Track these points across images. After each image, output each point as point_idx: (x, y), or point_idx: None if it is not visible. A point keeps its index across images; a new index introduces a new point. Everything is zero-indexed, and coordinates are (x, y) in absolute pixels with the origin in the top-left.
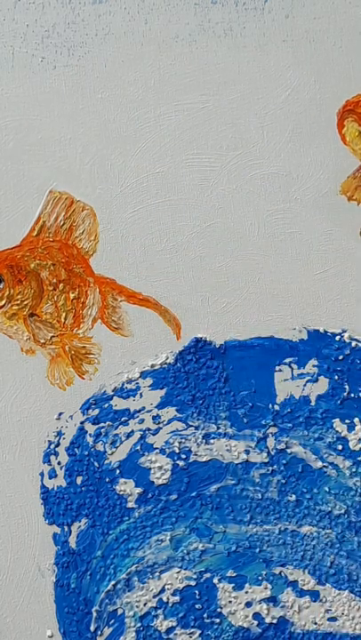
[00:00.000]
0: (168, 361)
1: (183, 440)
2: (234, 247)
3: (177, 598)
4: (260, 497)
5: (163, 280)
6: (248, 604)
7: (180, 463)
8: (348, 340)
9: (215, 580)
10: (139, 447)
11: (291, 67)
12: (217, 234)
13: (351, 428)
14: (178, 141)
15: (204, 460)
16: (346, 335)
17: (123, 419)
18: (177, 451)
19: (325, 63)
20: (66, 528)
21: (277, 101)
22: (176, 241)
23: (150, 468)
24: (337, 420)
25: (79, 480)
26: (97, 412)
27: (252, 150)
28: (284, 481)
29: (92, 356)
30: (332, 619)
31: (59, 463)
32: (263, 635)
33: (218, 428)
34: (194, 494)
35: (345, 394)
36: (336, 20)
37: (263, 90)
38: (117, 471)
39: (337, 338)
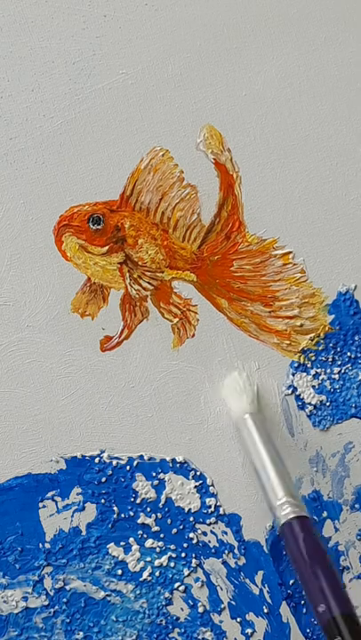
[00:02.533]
0: None
1: None
2: None
3: None
4: None
5: None
6: None
7: None
8: (108, 460)
9: None
10: None
11: None
12: None
13: (128, 549)
14: None
15: None
16: (105, 455)
17: None
18: None
19: (31, 183)
20: None
21: None
22: None
23: None
24: (112, 544)
25: None
26: None
27: None
28: (68, 620)
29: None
30: None
31: None
32: None
33: None
34: None
35: (115, 516)
36: (34, 137)
37: None
38: None
39: (96, 460)
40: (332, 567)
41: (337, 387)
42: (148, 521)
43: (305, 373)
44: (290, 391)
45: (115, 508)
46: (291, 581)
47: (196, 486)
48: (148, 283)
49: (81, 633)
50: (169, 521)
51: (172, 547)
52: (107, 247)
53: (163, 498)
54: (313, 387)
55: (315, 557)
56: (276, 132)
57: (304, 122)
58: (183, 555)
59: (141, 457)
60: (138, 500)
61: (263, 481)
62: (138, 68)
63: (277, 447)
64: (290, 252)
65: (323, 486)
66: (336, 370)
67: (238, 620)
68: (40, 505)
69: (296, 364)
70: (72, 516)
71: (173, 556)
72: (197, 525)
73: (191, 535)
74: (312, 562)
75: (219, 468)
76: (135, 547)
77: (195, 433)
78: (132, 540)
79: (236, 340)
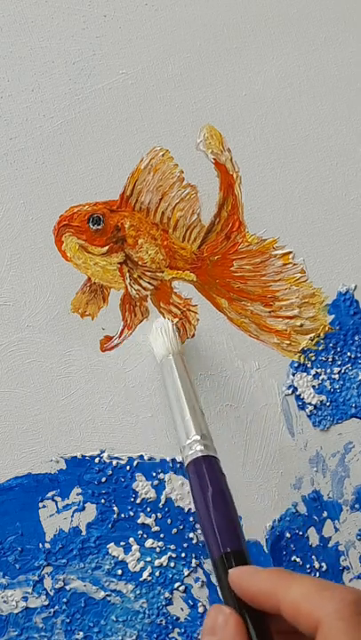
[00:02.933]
0: None
1: None
2: None
3: None
4: None
5: None
6: None
7: None
8: (108, 460)
9: None
10: None
11: None
12: None
13: (128, 549)
14: None
15: None
16: (105, 455)
17: None
18: None
19: (31, 183)
20: None
21: None
22: None
23: None
24: (112, 544)
25: None
26: None
27: None
28: (68, 620)
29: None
30: None
31: None
32: None
33: None
34: None
35: (115, 516)
36: (34, 137)
37: None
38: None
39: (96, 460)
40: (228, 506)
41: (337, 387)
42: (148, 521)
43: (305, 373)
44: (290, 391)
45: (115, 508)
46: None
47: None
48: (148, 283)
49: (81, 633)
50: (169, 521)
51: (172, 547)
52: (107, 247)
53: (163, 498)
54: (313, 387)
55: (214, 494)
56: (276, 132)
57: (304, 122)
58: (183, 555)
59: (141, 457)
60: (138, 500)
61: (176, 419)
62: (138, 68)
63: (195, 387)
64: (290, 252)
65: (323, 486)
66: (336, 370)
67: None
68: (40, 505)
69: (296, 364)
70: (72, 516)
71: (173, 556)
72: (197, 525)
73: (191, 535)
74: (209, 499)
75: None
76: (135, 547)
77: None
78: (132, 539)
79: (237, 339)
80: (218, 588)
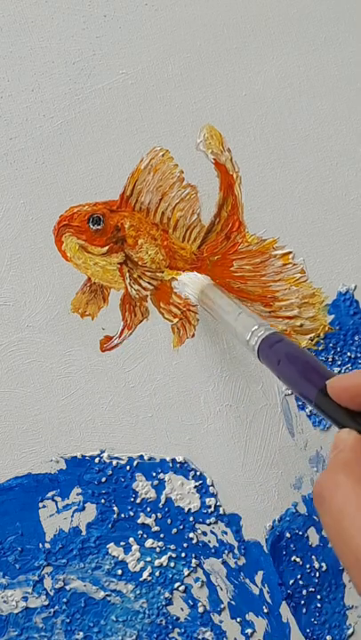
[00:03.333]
0: None
1: None
2: None
3: None
4: None
5: None
6: None
7: None
8: (108, 460)
9: None
10: None
11: None
12: None
13: (128, 549)
14: None
15: None
16: (105, 455)
17: None
18: None
19: (30, 182)
20: None
21: None
22: None
23: None
24: (111, 544)
25: None
26: None
27: None
28: (68, 620)
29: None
30: None
31: None
32: None
33: None
34: None
35: (115, 516)
36: (34, 137)
37: None
38: None
39: (96, 460)
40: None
41: None
42: (148, 521)
43: None
44: (290, 391)
45: (115, 508)
46: (291, 581)
47: (196, 486)
48: (148, 283)
49: (81, 633)
50: (169, 521)
51: (172, 547)
52: (107, 247)
53: (163, 498)
54: None
55: (297, 355)
56: (276, 132)
57: (304, 122)
58: (183, 555)
59: (141, 457)
60: (138, 500)
61: (233, 322)
62: (138, 68)
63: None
64: (290, 252)
65: None
66: (336, 370)
67: (238, 619)
68: (40, 505)
69: None
70: (72, 516)
71: (173, 556)
72: (197, 525)
73: (191, 535)
74: (296, 349)
75: (219, 468)
76: (135, 547)
77: (195, 433)
78: (132, 539)
79: (237, 340)
80: (331, 423)
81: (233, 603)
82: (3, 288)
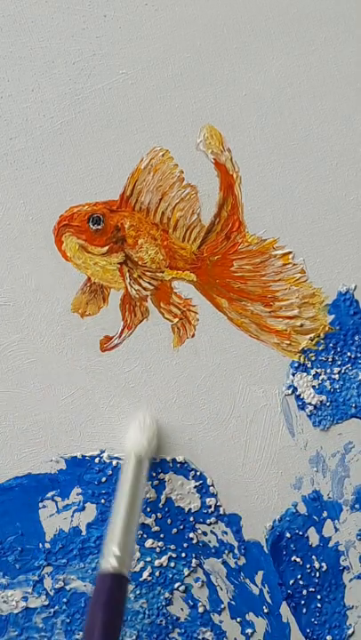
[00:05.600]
0: None
1: None
2: None
3: None
4: None
5: None
6: None
7: None
8: (107, 460)
9: None
10: None
11: None
12: None
13: None
14: None
15: None
16: (105, 455)
17: None
18: None
19: (31, 182)
20: None
21: None
22: None
23: None
24: None
25: None
26: None
27: None
28: (68, 620)
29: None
30: None
31: None
32: None
33: None
34: None
35: None
36: (34, 137)
37: None
38: None
39: (96, 460)
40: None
41: (337, 387)
42: (148, 521)
43: (305, 373)
44: (290, 391)
45: None
46: (291, 581)
47: (196, 486)
48: (148, 283)
49: (81, 633)
50: (169, 521)
51: (172, 547)
52: (107, 247)
53: (163, 498)
54: (313, 387)
55: (104, 620)
56: (276, 131)
57: (304, 122)
58: (183, 555)
59: None
60: None
61: (111, 523)
62: (138, 68)
63: (140, 499)
64: (290, 252)
65: (323, 486)
66: (336, 370)
67: (238, 619)
68: (40, 505)
69: (296, 364)
70: (72, 516)
71: (173, 556)
72: (197, 525)
73: (191, 535)
74: (99, 621)
75: (219, 467)
76: (135, 547)
77: (195, 433)
78: None
79: (237, 340)
80: None
81: (233, 603)
82: (3, 288)
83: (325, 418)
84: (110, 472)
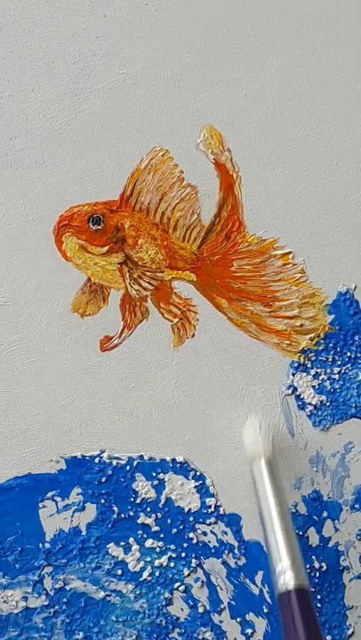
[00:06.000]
0: None
1: None
2: None
3: None
4: None
5: None
6: None
7: None
8: (108, 460)
9: None
10: None
11: None
12: None
13: (127, 549)
14: None
15: None
16: (105, 455)
17: None
18: None
19: (32, 181)
20: None
21: None
22: None
23: None
24: (112, 544)
25: None
26: None
27: None
28: (68, 620)
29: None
30: None
31: None
32: None
33: None
34: None
35: (115, 516)
36: (34, 137)
37: None
38: None
39: (96, 460)
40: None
41: (337, 387)
42: (148, 521)
43: (305, 373)
44: (290, 391)
45: (115, 508)
46: None
47: (196, 486)
48: (148, 283)
49: (81, 633)
50: (169, 521)
51: (172, 547)
52: (107, 247)
53: (163, 498)
54: (313, 387)
55: (307, 632)
56: (276, 131)
57: (304, 122)
58: (183, 555)
59: (141, 457)
60: (138, 500)
61: (269, 540)
62: (138, 68)
63: (286, 498)
64: (290, 252)
65: (323, 486)
66: (336, 370)
67: (238, 620)
68: (40, 505)
69: (296, 364)
70: (72, 516)
71: (173, 556)
72: (197, 525)
73: (191, 535)
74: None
75: (219, 467)
76: (135, 547)
77: (195, 433)
78: (132, 539)
79: (236, 340)
80: None
81: (233, 603)
82: (3, 288)
83: (325, 418)
84: (110, 472)
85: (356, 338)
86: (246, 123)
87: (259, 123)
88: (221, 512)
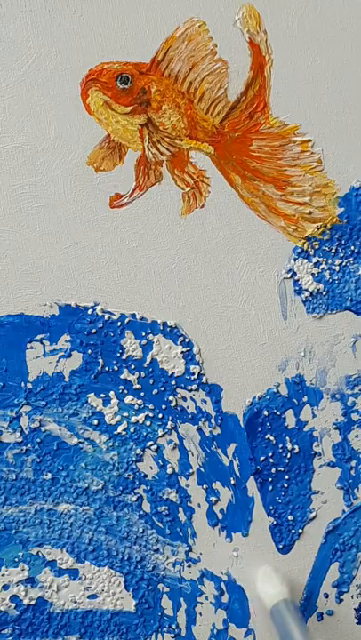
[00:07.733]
0: None
1: None
2: None
3: None
4: (14, 477)
5: None
6: (5, 587)
7: None
8: (100, 314)
9: None
10: None
11: (30, 38)
12: None
13: (107, 402)
14: None
15: None
16: (98, 308)
17: None
18: None
19: (66, 32)
20: None
21: (17, 74)
22: None
23: None
24: (92, 394)
25: None
26: None
27: None
28: (39, 460)
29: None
30: (93, 596)
31: None
32: (21, 617)
33: None
34: None
35: (99, 368)
36: None
37: (2, 62)
38: None
39: (89, 311)
40: None
41: (336, 278)
42: (131, 378)
43: (306, 260)
44: (289, 275)
45: (100, 360)
46: (262, 458)
47: (183, 352)
48: (166, 148)
49: (49, 474)
50: (151, 381)
51: (151, 406)
52: (131, 107)
53: (149, 358)
54: (312, 274)
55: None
56: (314, 20)
57: (344, 14)
58: (160, 416)
59: (134, 315)
60: (124, 357)
61: None
62: None
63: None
64: (310, 140)
65: (307, 372)
66: (338, 261)
67: (205, 486)
68: (28, 346)
69: (299, 250)
70: (57, 362)
71: (150, 415)
72: (178, 390)
73: (171, 398)
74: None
75: (208, 337)
76: (114, 400)
77: (189, 301)
78: (112, 393)
79: (244, 217)
80: None
81: (202, 470)
82: (23, 131)
83: (320, 306)
84: (101, 325)
85: None
86: (286, 8)
87: (298, 10)
88: (204, 381)
